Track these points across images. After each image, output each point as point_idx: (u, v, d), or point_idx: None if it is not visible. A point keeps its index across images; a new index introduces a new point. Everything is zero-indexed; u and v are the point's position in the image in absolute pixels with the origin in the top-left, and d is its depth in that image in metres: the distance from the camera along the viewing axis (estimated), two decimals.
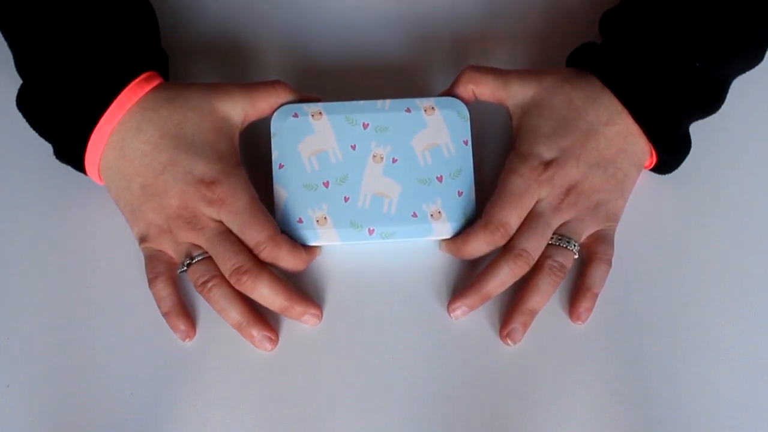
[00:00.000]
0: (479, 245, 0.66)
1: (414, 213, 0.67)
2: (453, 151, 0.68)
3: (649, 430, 0.65)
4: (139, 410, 0.66)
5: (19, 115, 0.67)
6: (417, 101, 0.69)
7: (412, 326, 0.68)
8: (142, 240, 0.67)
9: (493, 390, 0.66)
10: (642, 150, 0.67)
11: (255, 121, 0.70)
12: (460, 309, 0.67)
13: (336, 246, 0.69)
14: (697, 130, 0.70)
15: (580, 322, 0.67)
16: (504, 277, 0.66)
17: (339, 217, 0.67)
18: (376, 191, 0.67)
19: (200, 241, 0.66)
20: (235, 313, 0.66)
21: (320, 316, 0.68)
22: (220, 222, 0.66)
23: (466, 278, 0.69)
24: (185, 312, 0.67)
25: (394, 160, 0.68)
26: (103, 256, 0.70)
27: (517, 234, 0.66)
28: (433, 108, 0.69)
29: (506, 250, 0.66)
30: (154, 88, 0.67)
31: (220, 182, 0.65)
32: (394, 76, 0.75)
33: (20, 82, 0.67)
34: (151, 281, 0.67)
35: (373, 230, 0.67)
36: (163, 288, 0.67)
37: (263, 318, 0.67)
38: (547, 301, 0.67)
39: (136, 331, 0.68)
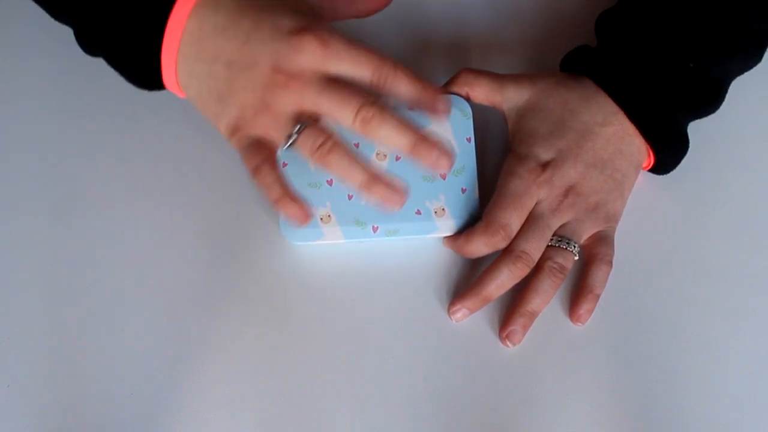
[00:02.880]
0: (480, 247, 0.66)
1: (418, 210, 0.67)
2: (456, 149, 0.68)
3: (649, 430, 0.65)
4: (139, 410, 0.65)
5: (19, 116, 0.66)
6: None
7: (413, 326, 0.68)
8: (236, 130, 0.61)
9: (493, 391, 0.66)
10: (639, 150, 0.68)
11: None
12: (461, 311, 0.67)
13: (336, 246, 0.69)
14: (697, 130, 0.70)
15: (580, 324, 0.67)
16: (504, 280, 0.66)
17: (343, 214, 0.67)
18: None
19: (305, 98, 0.59)
20: (359, 171, 0.59)
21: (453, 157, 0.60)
22: (321, 73, 0.60)
23: (468, 278, 0.69)
24: (295, 194, 0.60)
25: (397, 158, 0.68)
26: (104, 255, 0.69)
27: (516, 236, 0.66)
28: None
29: (506, 252, 0.66)
30: None
31: (311, 28, 0.58)
32: None
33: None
34: (255, 170, 0.60)
35: (377, 227, 0.67)
36: (269, 174, 0.60)
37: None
38: (547, 303, 0.67)
39: (136, 331, 0.67)
